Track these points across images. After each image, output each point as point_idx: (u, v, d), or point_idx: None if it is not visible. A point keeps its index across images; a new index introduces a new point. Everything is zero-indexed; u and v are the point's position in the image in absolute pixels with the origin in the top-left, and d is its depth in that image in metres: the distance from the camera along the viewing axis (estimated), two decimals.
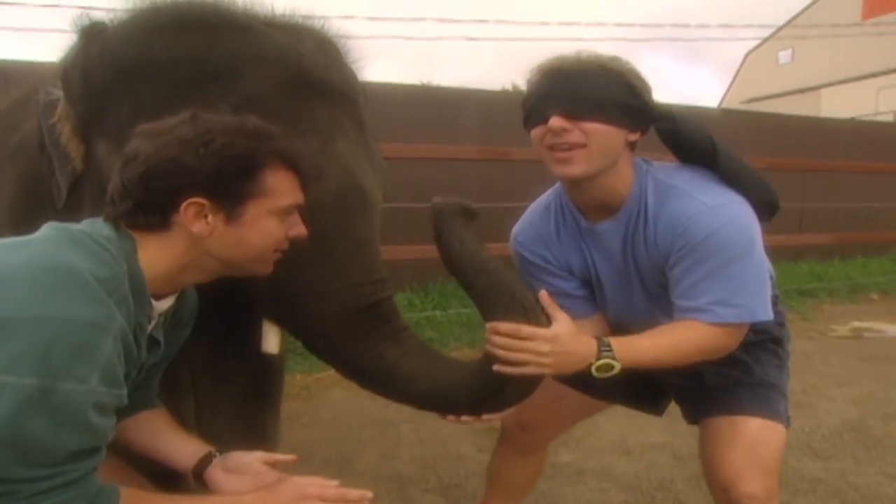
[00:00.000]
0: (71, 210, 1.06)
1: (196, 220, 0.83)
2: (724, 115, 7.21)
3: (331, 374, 2.99)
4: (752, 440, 1.16)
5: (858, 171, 5.71)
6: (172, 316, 0.98)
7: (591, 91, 1.07)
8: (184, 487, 1.08)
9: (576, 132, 1.07)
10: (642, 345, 1.08)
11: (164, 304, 0.92)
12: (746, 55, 20.32)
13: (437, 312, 3.76)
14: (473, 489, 1.93)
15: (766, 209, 1.16)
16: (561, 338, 0.99)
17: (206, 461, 0.99)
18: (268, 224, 0.87)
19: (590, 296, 1.30)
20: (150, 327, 0.89)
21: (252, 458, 0.98)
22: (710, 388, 1.25)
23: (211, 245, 0.86)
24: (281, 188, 0.87)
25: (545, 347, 0.96)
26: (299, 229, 0.92)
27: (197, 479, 1.01)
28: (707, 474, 1.22)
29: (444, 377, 1.04)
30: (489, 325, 0.98)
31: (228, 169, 0.83)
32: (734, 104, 18.23)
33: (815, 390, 2.82)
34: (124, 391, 0.77)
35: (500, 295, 0.99)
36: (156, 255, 0.84)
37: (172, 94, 1.00)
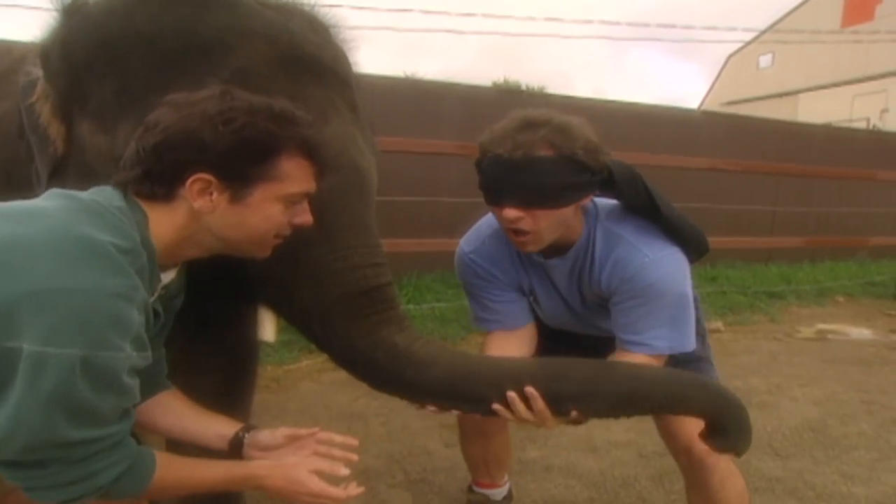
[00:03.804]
0: None
1: (200, 196, 0.83)
2: (704, 117, 7.31)
3: (301, 366, 2.97)
4: None
5: (830, 177, 5.83)
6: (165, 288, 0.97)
7: (539, 182, 1.15)
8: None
9: (528, 219, 1.19)
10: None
11: (167, 277, 0.91)
12: (728, 58, 20.58)
13: (412, 306, 3.75)
14: (440, 484, 1.93)
15: (697, 253, 1.33)
16: None
17: (237, 443, 1.01)
18: (272, 209, 0.87)
19: (527, 306, 1.46)
20: (151, 299, 0.88)
21: (277, 435, 1.01)
22: None
23: (211, 222, 0.85)
24: (294, 175, 0.87)
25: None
26: (305, 217, 0.92)
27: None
28: (667, 442, 1.39)
29: (466, 367, 1.03)
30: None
31: (243, 150, 0.82)
32: (714, 106, 18.49)
33: (779, 390, 2.89)
34: (150, 353, 0.82)
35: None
36: (158, 226, 0.84)
37: (159, 68, 0.94)
